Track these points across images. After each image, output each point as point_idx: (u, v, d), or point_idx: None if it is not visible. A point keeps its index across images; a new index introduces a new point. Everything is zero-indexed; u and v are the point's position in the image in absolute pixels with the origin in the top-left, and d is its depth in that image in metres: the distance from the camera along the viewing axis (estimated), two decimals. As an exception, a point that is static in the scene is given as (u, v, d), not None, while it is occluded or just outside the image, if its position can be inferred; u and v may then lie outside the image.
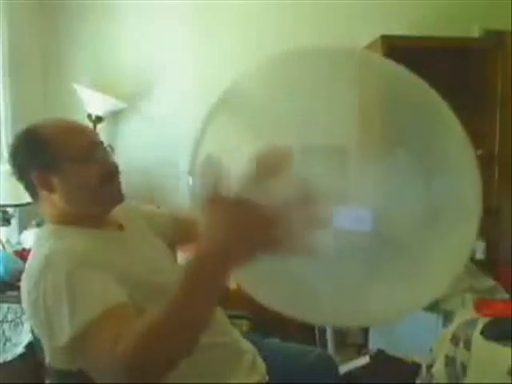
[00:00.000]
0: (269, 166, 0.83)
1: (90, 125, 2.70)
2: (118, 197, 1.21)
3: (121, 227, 1.26)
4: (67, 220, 1.15)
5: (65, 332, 0.93)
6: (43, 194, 1.15)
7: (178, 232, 1.41)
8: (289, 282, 0.82)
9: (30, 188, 1.17)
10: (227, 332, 1.23)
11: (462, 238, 0.87)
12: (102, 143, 1.21)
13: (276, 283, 0.81)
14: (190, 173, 0.89)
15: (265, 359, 1.29)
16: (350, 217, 0.81)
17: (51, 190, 1.13)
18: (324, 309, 0.89)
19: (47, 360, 1.01)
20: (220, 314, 1.25)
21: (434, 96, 0.88)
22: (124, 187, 1.21)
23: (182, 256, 1.44)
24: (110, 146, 1.22)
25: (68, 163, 1.12)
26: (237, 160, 0.85)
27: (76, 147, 1.12)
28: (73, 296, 0.95)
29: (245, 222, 0.76)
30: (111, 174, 1.18)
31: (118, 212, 1.27)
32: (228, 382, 1.15)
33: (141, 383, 0.82)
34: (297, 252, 0.75)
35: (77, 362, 0.97)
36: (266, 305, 0.90)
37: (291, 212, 0.74)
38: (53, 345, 0.97)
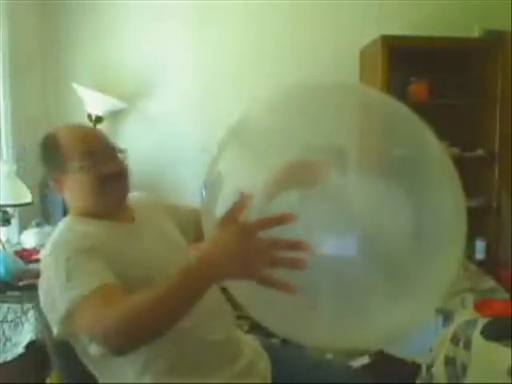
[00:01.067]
0: (301, 175, 0.88)
1: (90, 125, 2.70)
2: (119, 196, 1.29)
3: (133, 220, 1.31)
4: (83, 212, 1.25)
5: (61, 307, 1.05)
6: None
7: (198, 229, 1.41)
8: (285, 301, 0.83)
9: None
10: (225, 331, 1.22)
11: (450, 258, 0.91)
12: (107, 147, 1.29)
13: (271, 300, 0.83)
14: (205, 186, 0.98)
15: (273, 361, 1.30)
16: (335, 243, 0.85)
17: (61, 190, 1.29)
18: (322, 331, 0.90)
19: (55, 332, 1.10)
20: (226, 312, 1.27)
21: (423, 128, 0.92)
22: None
23: (193, 254, 1.44)
24: (119, 149, 1.32)
25: (72, 169, 1.23)
26: (242, 181, 0.94)
27: (79, 155, 1.23)
28: (70, 276, 1.06)
29: (244, 246, 0.83)
30: (111, 176, 1.24)
31: (135, 205, 1.34)
32: (212, 381, 1.15)
33: (122, 352, 0.99)
34: (276, 286, 0.80)
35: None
36: (259, 320, 0.95)
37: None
38: (53, 318, 1.09)
